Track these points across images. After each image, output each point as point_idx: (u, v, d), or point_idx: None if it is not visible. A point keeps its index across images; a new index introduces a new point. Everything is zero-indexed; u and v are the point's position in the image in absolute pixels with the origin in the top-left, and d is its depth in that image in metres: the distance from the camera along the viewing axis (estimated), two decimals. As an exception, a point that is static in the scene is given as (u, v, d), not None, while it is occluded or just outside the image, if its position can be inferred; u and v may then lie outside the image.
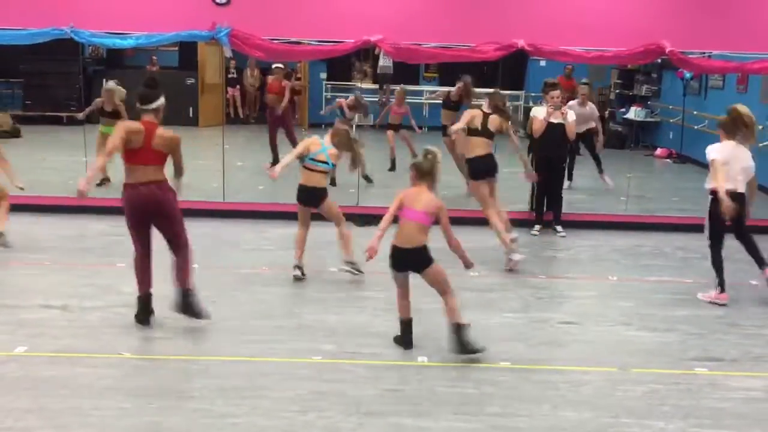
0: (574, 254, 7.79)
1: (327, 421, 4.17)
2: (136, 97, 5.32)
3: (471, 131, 7.11)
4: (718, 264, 6.29)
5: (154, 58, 16.00)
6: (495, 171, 7.15)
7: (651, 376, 4.86)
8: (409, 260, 5.01)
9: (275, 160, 10.09)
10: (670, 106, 14.03)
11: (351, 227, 7.14)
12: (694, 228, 8.49)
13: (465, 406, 4.40)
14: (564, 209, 8.50)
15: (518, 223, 8.55)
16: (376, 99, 15.72)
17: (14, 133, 13.42)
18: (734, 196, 6.09)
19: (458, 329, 4.98)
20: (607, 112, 15.83)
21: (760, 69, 8.24)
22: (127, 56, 16.21)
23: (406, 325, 5.18)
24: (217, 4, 8.29)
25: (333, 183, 10.14)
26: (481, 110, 7.17)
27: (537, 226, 8.39)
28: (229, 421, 4.14)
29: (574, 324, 5.79)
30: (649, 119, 14.60)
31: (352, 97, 10.29)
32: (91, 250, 7.13)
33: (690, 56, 8.19)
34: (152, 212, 5.25)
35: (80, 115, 9.93)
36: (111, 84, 9.53)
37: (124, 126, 5.28)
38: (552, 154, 8.25)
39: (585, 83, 10.67)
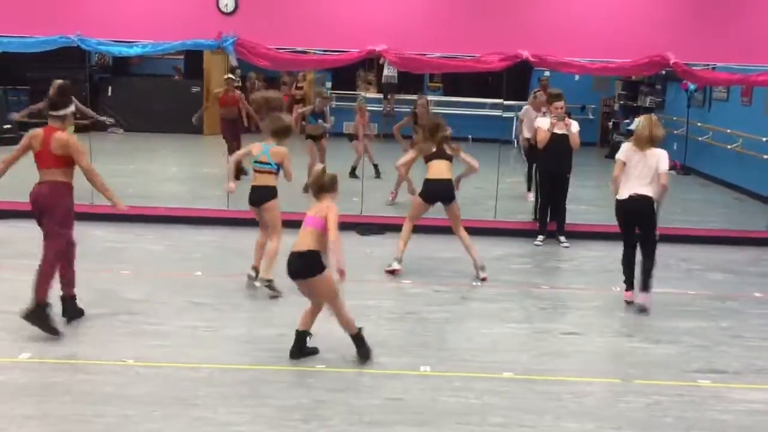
0: (577, 265, 7.79)
1: (329, 430, 4.17)
2: (47, 103, 5.56)
3: (427, 157, 7.00)
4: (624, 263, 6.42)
5: (179, 67, 16.07)
6: (448, 197, 6.92)
7: (654, 388, 4.86)
8: (294, 265, 4.85)
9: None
10: (675, 118, 14.04)
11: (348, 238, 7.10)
12: (698, 240, 8.53)
13: (467, 416, 4.39)
14: (568, 220, 8.50)
15: (521, 233, 8.59)
16: (381, 108, 15.77)
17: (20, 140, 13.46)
18: (631, 199, 6.14)
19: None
20: (611, 123, 15.87)
21: (765, 81, 8.25)
22: (133, 64, 16.28)
23: (298, 335, 5.07)
24: (224, 13, 8.34)
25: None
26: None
27: (540, 237, 8.39)
28: (232, 429, 4.14)
29: (578, 335, 5.78)
30: (653, 130, 14.58)
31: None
32: (93, 256, 7.13)
33: (694, 68, 8.21)
34: (39, 210, 5.43)
35: (17, 116, 9.59)
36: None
37: (29, 133, 5.52)
38: (556, 165, 8.25)
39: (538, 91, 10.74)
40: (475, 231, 8.15)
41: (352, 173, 10.79)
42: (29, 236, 7.36)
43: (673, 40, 8.11)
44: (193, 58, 15.05)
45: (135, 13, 8.30)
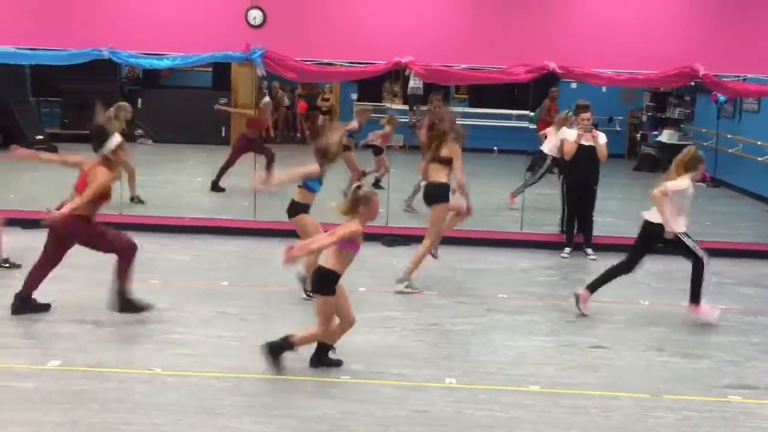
0: (604, 278, 7.69)
1: (354, 442, 4.17)
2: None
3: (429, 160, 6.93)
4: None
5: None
6: (428, 199, 6.86)
7: (683, 403, 4.78)
8: (312, 279, 5.04)
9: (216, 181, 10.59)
10: (704, 130, 13.88)
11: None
12: (728, 253, 8.39)
13: (493, 429, 4.36)
14: (595, 232, 8.43)
15: (548, 245, 8.53)
16: (407, 120, 15.79)
17: (51, 151, 13.70)
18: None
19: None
20: (638, 135, 15.73)
21: (796, 93, 8.14)
22: (163, 77, 16.51)
23: (319, 344, 5.11)
24: (252, 25, 8.43)
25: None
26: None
27: (567, 249, 8.33)
28: (257, 439, 4.15)
29: (605, 348, 5.72)
30: (682, 142, 14.42)
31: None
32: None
33: (724, 79, 8.11)
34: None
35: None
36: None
37: (85, 157, 5.92)
38: (583, 177, 8.20)
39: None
40: (502, 243, 8.14)
41: (376, 184, 10.84)
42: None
43: (703, 51, 8.03)
44: (221, 70, 15.21)
45: (165, 27, 8.43)
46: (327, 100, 16.20)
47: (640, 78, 8.29)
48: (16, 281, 6.09)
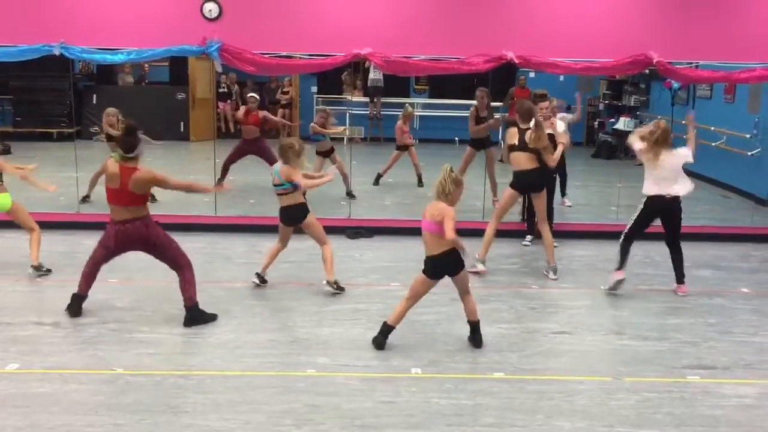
0: (566, 264, 7.81)
1: (321, 435, 4.16)
2: (121, 146, 5.70)
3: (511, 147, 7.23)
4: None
5: (143, 73, 16.06)
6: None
7: (644, 385, 4.88)
8: (440, 263, 5.29)
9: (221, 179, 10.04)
10: (659, 116, 14.06)
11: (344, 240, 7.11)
12: (685, 236, 8.53)
13: (459, 417, 4.39)
14: (555, 219, 8.51)
15: (510, 234, 8.61)
16: (367, 112, 15.78)
17: (4, 150, 13.38)
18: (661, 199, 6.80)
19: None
20: (596, 123, 15.96)
21: (747, 78, 8.32)
22: (118, 72, 16.18)
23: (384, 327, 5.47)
24: (208, 18, 8.31)
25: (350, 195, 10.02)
26: (517, 126, 7.24)
27: (529, 237, 8.41)
28: (223, 436, 4.12)
29: (568, 334, 5.80)
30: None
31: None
32: (81, 266, 7.09)
33: (677, 66, 8.26)
34: (139, 246, 5.77)
35: None
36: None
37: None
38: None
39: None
40: (464, 233, 8.14)
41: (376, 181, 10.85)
42: (23, 247, 7.33)
43: (656, 38, 8.16)
44: (178, 64, 15.00)
45: (119, 21, 8.25)
46: (287, 93, 16.10)
47: (596, 66, 8.39)
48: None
